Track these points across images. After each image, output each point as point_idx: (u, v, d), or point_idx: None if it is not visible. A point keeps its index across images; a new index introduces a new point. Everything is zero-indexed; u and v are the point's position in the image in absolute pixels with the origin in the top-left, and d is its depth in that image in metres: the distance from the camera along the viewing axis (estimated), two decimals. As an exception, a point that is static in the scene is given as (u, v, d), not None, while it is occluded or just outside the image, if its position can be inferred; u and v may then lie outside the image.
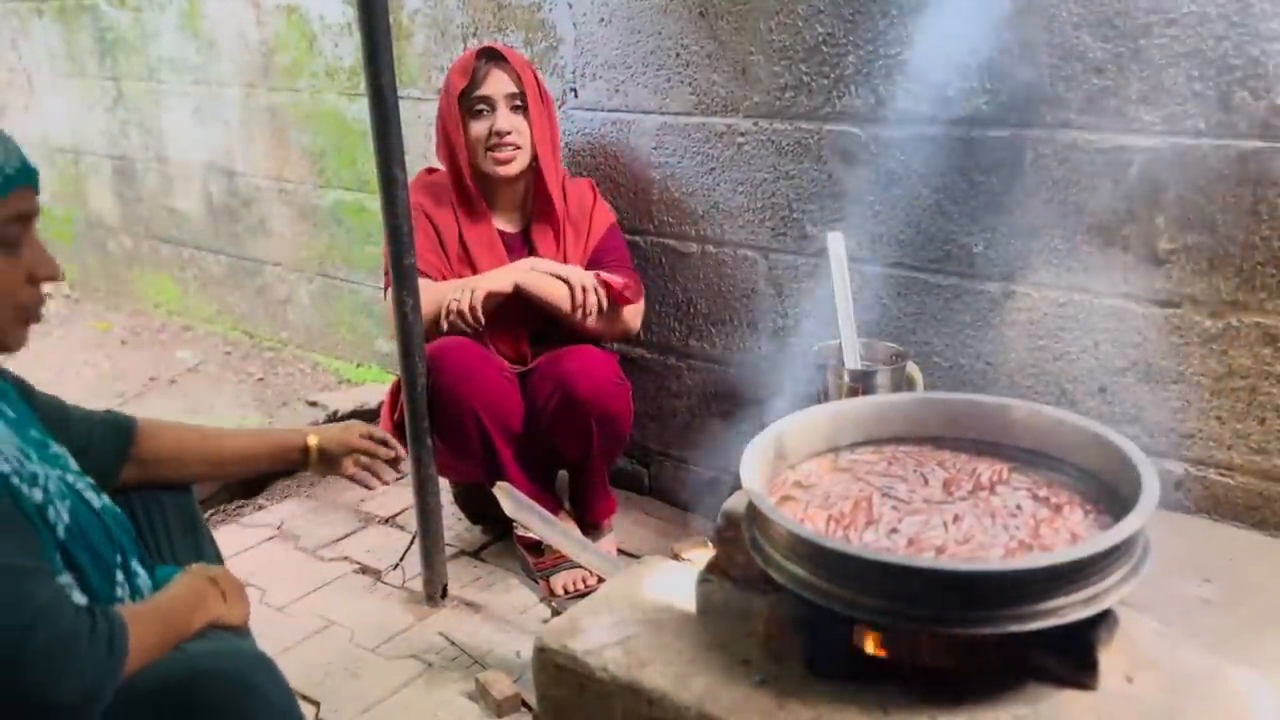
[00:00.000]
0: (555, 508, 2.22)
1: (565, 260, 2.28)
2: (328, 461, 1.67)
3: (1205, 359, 1.77)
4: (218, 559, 1.53)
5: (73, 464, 1.30)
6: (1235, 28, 1.63)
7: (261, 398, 3.36)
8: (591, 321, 2.18)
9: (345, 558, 2.41)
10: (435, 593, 2.18)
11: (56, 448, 1.29)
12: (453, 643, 2.05)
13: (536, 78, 2.27)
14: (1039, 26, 1.79)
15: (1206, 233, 1.72)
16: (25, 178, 1.15)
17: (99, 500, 1.29)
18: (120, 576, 1.25)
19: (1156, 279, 1.79)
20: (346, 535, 2.51)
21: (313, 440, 1.65)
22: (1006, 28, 1.82)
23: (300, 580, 2.30)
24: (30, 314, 1.20)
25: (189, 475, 1.56)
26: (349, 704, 1.86)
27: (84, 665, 1.07)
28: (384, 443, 1.74)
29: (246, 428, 1.83)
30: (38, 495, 1.16)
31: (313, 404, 3.04)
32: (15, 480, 1.14)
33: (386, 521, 2.57)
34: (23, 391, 1.36)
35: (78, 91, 4.18)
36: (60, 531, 1.18)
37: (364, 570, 2.35)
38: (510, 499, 1.90)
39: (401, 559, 2.32)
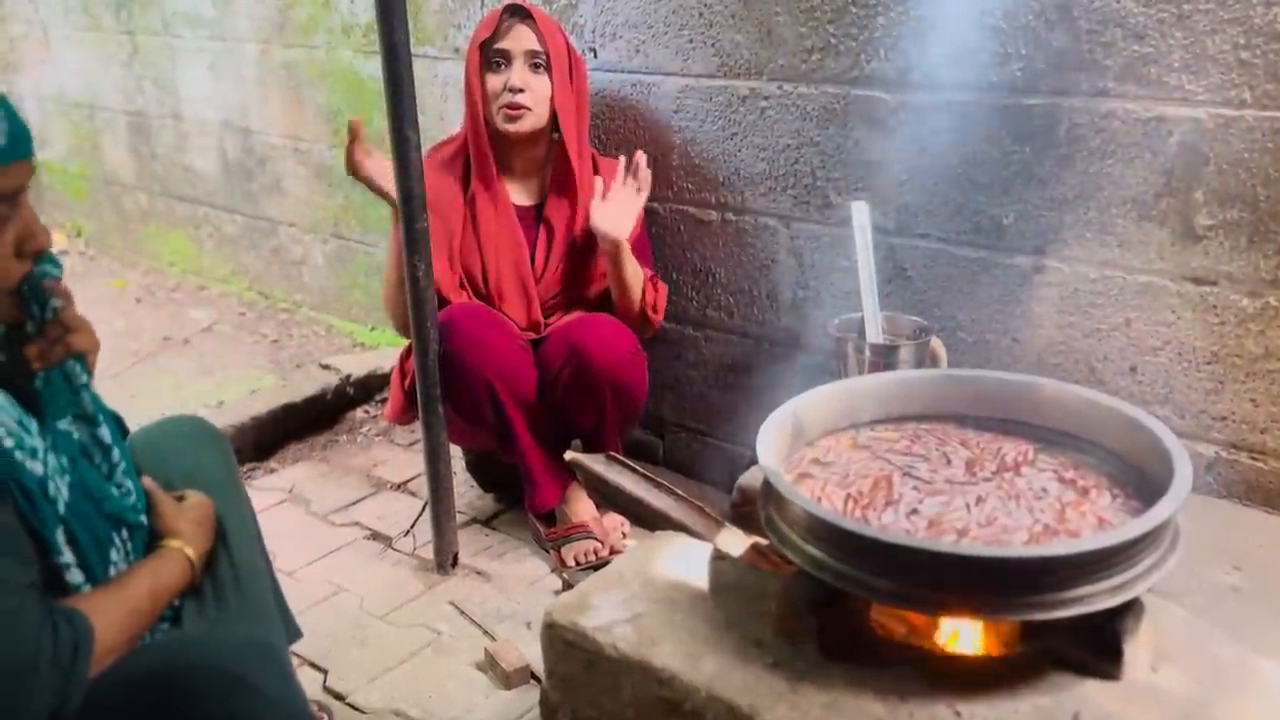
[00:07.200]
0: (567, 479, 2.19)
1: (580, 242, 2.24)
2: None
3: (1241, 339, 1.72)
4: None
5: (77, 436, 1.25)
6: (1286, -7, 1.56)
7: (276, 359, 3.34)
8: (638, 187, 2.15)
9: (356, 523, 2.39)
10: (446, 561, 2.16)
11: (64, 424, 1.24)
12: (462, 612, 2.03)
13: (568, 43, 2.20)
14: (1078, -11, 1.73)
15: (1247, 209, 1.66)
16: (20, 151, 1.05)
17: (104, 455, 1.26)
18: (117, 541, 1.23)
19: (1193, 255, 1.73)
20: (357, 501, 2.50)
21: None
22: (1044, -10, 1.75)
23: (310, 545, 2.29)
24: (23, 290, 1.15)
25: None
26: (356, 672, 1.85)
27: (45, 684, 1.02)
28: None
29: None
30: (38, 469, 1.13)
31: (325, 367, 3.02)
32: (18, 455, 1.10)
33: (398, 488, 2.56)
34: None
35: (93, 45, 4.14)
36: (60, 507, 1.15)
37: (374, 536, 2.34)
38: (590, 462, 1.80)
39: (412, 526, 2.30)
